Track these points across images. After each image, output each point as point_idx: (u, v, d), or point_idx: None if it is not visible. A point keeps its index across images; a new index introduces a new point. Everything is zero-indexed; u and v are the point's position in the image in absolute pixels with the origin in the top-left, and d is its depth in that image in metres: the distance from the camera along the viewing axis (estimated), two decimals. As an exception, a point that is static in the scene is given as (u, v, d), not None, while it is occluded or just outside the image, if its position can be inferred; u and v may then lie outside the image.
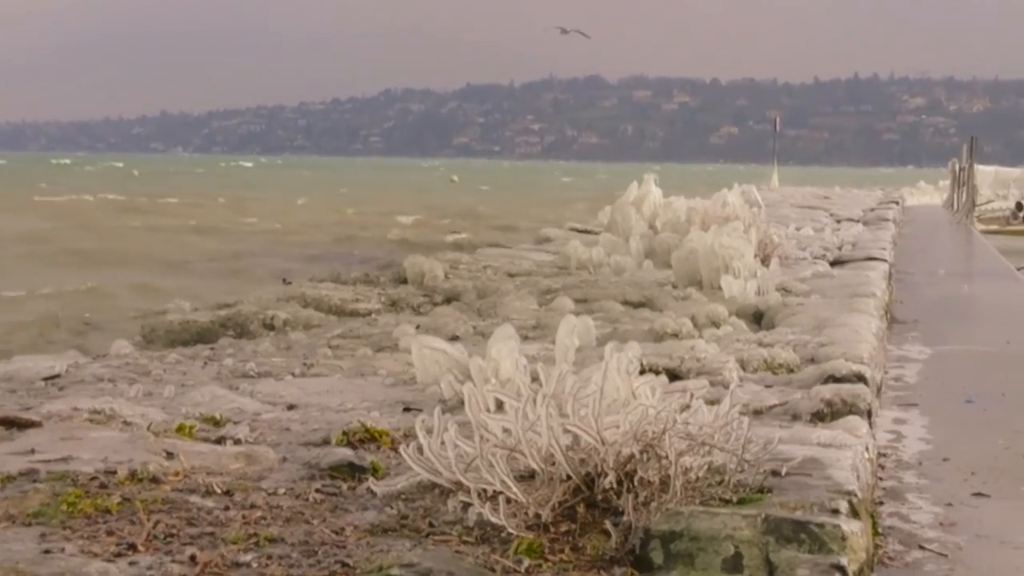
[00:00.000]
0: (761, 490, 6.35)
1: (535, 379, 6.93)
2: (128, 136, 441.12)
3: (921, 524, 7.68)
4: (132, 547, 5.58)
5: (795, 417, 8.93)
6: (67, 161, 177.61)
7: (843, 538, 5.68)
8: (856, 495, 6.36)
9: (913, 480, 8.79)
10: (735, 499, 6.18)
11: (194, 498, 6.36)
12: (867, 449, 7.73)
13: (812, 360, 11.46)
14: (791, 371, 11.15)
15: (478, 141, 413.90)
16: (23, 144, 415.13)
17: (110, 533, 5.76)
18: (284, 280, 26.41)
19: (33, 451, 7.12)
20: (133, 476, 6.64)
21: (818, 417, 8.88)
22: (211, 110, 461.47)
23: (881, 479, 8.66)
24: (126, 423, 8.20)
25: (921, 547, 7.19)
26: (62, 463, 6.85)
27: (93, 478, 6.57)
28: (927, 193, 74.42)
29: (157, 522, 5.90)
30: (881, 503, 8.10)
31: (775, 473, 6.63)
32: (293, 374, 11.36)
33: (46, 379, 11.28)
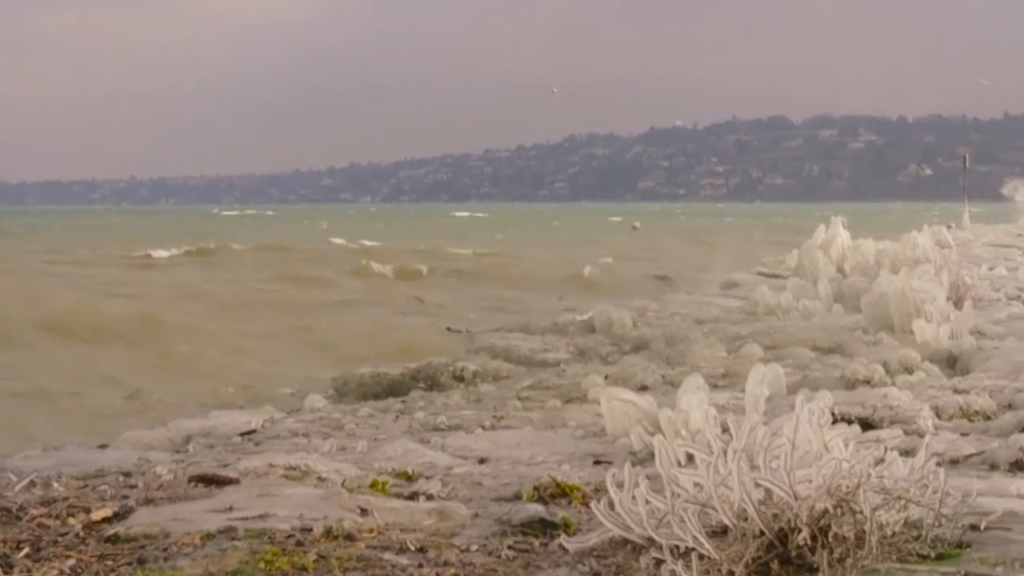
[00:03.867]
0: (960, 545, 6.23)
1: (725, 430, 6.88)
2: (317, 187, 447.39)
3: None
4: (329, 605, 5.65)
5: (993, 467, 8.75)
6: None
7: (1046, 595, 5.54)
8: (1059, 550, 6.20)
9: (1121, 530, 8.53)
10: (933, 555, 6.07)
11: (388, 555, 6.42)
12: (1070, 500, 7.53)
13: (1010, 406, 11.23)
14: (988, 418, 10.93)
15: (663, 185, 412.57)
16: (218, 197, 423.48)
17: (307, 591, 5.84)
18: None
19: (231, 508, 7.26)
20: (328, 533, 6.73)
21: (1017, 466, 8.68)
22: (398, 160, 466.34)
23: (1086, 529, 8.42)
24: (321, 479, 8.32)
25: None
26: (259, 520, 6.96)
27: (289, 535, 6.67)
28: (1126, 226, 72.41)
29: (353, 580, 5.97)
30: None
31: (974, 527, 6.50)
32: (483, 427, 11.42)
33: (243, 434, 11.52)
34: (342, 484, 8.12)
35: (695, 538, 5.99)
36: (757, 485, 6.15)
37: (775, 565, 6.05)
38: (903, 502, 6.28)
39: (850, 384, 12.87)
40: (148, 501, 7.60)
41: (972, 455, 9.09)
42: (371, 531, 6.85)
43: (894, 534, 6.19)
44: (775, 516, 6.12)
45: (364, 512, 7.19)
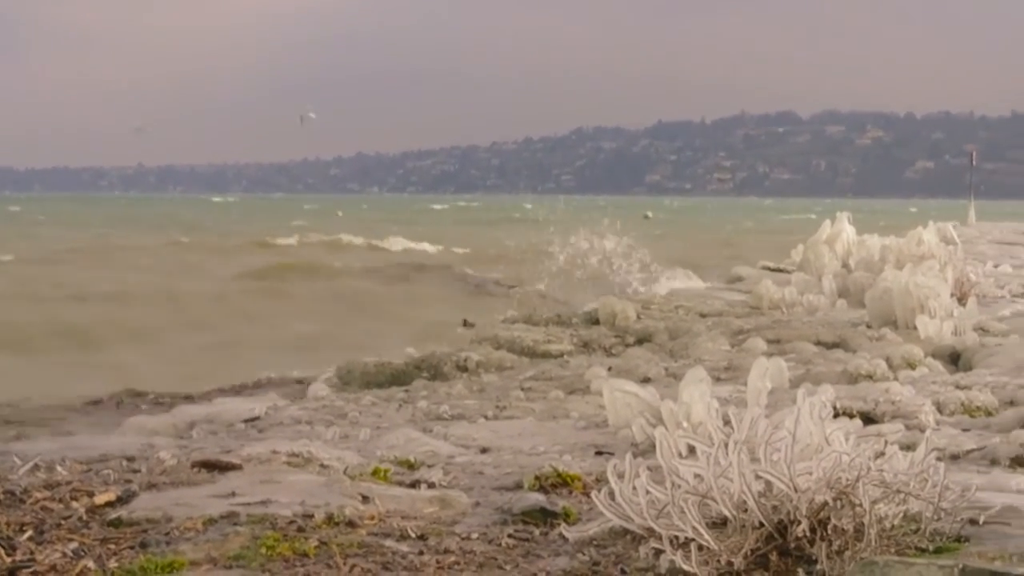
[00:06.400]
0: (958, 539, 6.24)
1: (727, 422, 6.90)
2: (325, 177, 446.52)
3: None
4: (329, 591, 5.68)
5: (993, 462, 8.76)
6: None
7: (1043, 590, 5.55)
8: (1057, 545, 6.21)
9: (1119, 527, 8.54)
10: (931, 548, 6.08)
11: (389, 542, 6.44)
12: (1069, 496, 7.54)
13: (1011, 403, 11.24)
14: (989, 414, 10.94)
15: (669, 179, 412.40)
16: (225, 186, 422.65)
17: (307, 577, 5.87)
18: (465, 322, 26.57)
19: (233, 494, 7.28)
20: (330, 520, 6.75)
21: (1017, 462, 8.69)
22: (406, 151, 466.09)
23: (1085, 526, 8.43)
24: (323, 466, 8.33)
25: None
26: (261, 506, 6.98)
27: (291, 521, 6.69)
28: None
29: (353, 566, 6.00)
30: (1085, 552, 7.87)
31: (973, 522, 6.51)
32: (486, 416, 11.45)
33: (246, 421, 11.55)
34: (344, 471, 8.14)
35: (694, 528, 6.01)
36: (757, 477, 6.17)
37: (774, 557, 6.07)
38: (902, 496, 6.29)
39: (853, 379, 12.89)
40: (151, 486, 7.62)
41: (973, 450, 9.10)
42: (372, 518, 6.88)
43: (893, 527, 6.20)
44: (775, 508, 6.14)
45: (365, 499, 7.22)
